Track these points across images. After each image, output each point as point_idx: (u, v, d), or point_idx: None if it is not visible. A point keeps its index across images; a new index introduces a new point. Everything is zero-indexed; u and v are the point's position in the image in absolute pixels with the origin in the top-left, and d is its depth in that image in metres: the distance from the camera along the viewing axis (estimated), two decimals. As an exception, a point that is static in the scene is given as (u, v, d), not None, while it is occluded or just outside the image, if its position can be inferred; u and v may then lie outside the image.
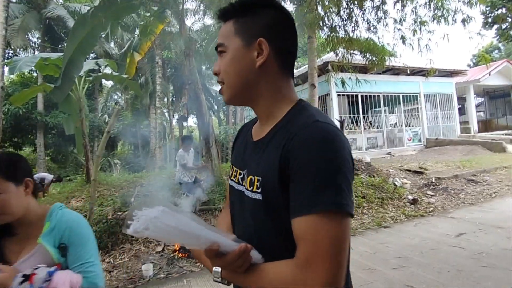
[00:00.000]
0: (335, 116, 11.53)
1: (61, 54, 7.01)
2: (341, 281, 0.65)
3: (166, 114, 23.59)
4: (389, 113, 14.27)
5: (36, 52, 18.61)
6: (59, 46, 18.56)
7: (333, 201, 0.65)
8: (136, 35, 18.22)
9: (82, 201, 5.98)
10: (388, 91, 13.49)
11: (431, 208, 6.13)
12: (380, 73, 12.61)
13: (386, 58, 6.87)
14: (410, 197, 6.56)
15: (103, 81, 19.27)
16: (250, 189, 0.79)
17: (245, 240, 0.74)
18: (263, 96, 0.83)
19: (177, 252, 4.49)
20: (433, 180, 7.58)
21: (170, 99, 23.35)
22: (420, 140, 14.13)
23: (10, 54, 18.11)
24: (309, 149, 0.68)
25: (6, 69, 12.94)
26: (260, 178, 0.77)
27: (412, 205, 6.28)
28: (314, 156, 0.67)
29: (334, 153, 0.68)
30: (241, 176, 0.86)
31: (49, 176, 8.98)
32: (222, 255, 0.70)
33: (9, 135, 16.60)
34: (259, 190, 0.76)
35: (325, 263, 0.63)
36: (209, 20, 21.60)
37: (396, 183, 7.11)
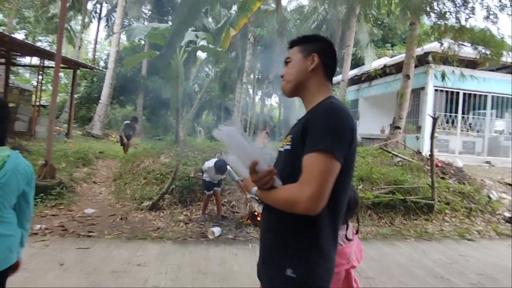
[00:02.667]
0: (427, 112, 10.48)
1: (168, 25, 7.73)
2: (322, 198, 1.00)
3: (250, 90, 24.27)
4: (497, 117, 12.41)
5: (146, 22, 20.75)
6: (165, 17, 20.42)
7: (325, 145, 1.02)
8: (233, 11, 18.91)
9: (170, 158, 6.63)
10: (499, 92, 11.66)
11: (532, 231, 5.34)
12: (493, 70, 10.94)
13: (504, 53, 5.94)
14: (507, 214, 5.78)
15: (197, 53, 20.57)
16: (285, 143, 1.19)
17: None
18: (309, 91, 1.25)
19: (246, 219, 4.78)
20: (540, 201, 6.51)
21: (256, 76, 23.87)
22: (533, 154, 12.07)
23: (126, 23, 20.54)
24: (319, 115, 1.09)
25: (123, 35, 14.86)
26: (292, 135, 1.18)
27: (508, 224, 5.54)
28: (322, 118, 1.08)
29: (335, 119, 1.07)
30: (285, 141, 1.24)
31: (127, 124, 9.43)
32: (258, 172, 1.09)
33: (117, 94, 19.01)
34: (290, 143, 1.16)
35: (312, 182, 1.00)
36: (304, 0, 21.23)
37: (491, 195, 6.28)
